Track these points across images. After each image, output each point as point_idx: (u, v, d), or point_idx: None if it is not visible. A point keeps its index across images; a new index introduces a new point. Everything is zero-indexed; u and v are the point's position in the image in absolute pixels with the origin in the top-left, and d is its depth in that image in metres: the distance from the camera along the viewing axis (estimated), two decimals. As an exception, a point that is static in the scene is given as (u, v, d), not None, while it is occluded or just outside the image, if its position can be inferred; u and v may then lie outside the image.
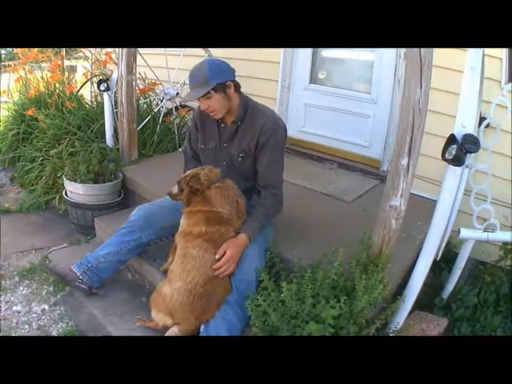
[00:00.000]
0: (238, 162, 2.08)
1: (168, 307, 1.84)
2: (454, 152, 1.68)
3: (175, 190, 1.96)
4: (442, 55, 2.01)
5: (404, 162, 1.64)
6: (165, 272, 2.06)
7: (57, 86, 3.95)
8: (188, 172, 1.95)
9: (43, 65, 4.18)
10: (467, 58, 1.74)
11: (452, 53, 2.08)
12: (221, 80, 1.90)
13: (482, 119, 2.17)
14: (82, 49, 4.24)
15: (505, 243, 2.43)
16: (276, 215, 2.10)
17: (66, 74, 4.35)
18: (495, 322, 2.21)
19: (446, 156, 1.71)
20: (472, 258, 2.51)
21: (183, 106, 4.00)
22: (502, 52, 2.52)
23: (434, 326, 2.08)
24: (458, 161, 1.69)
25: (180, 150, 2.20)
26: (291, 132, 3.67)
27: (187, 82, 3.63)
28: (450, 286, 2.32)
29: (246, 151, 2.05)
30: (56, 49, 4.47)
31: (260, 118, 2.01)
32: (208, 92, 1.88)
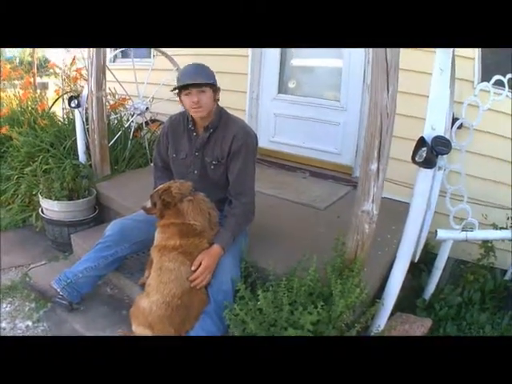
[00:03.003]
0: (210, 170, 2.09)
1: (147, 320, 1.85)
2: (424, 154, 1.69)
3: (149, 204, 1.97)
4: (411, 58, 2.03)
5: (374, 166, 1.65)
6: (143, 286, 2.06)
7: (29, 103, 3.94)
8: (160, 186, 1.97)
9: (15, 82, 4.17)
10: (436, 59, 1.75)
11: (421, 55, 2.10)
12: (215, 82, 1.99)
13: (455, 120, 2.20)
14: (53, 65, 4.22)
15: (485, 241, 2.45)
16: (248, 224, 2.11)
17: (38, 91, 4.33)
18: (482, 320, 2.22)
19: (417, 159, 1.72)
20: (452, 257, 2.52)
21: (153, 121, 4.00)
22: (474, 52, 2.54)
23: (418, 327, 2.08)
24: (428, 163, 1.69)
25: (152, 164, 2.25)
26: (261, 143, 3.63)
27: (156, 96, 3.60)
28: (431, 287, 2.33)
29: (218, 159, 2.06)
30: (28, 66, 4.46)
31: (233, 126, 2.05)
32: (208, 84, 1.94)
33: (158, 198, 1.90)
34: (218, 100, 2.07)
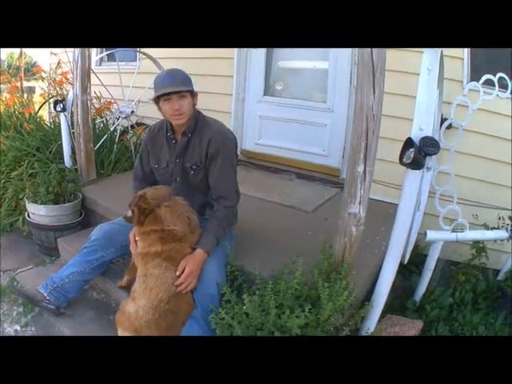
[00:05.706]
0: (191, 175, 2.08)
1: (133, 325, 1.82)
2: (412, 155, 1.67)
3: (129, 213, 1.94)
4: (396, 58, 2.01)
5: (360, 168, 1.63)
6: (126, 288, 2.06)
7: (15, 107, 3.94)
8: (137, 193, 1.94)
9: (2, 87, 4.17)
10: (423, 59, 1.73)
11: (406, 55, 2.09)
12: (193, 88, 1.99)
13: (444, 120, 2.18)
14: (39, 69, 4.21)
15: (476, 242, 2.44)
16: (230, 227, 2.10)
17: (25, 95, 4.32)
18: (474, 320, 2.21)
19: (404, 160, 1.70)
20: (443, 259, 2.51)
21: (139, 124, 3.99)
22: (463, 52, 2.53)
23: (409, 329, 2.07)
24: (416, 164, 1.67)
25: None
26: (247, 145, 3.68)
27: (142, 99, 3.54)
28: (421, 289, 2.32)
29: (197, 163, 2.05)
30: (15, 71, 4.45)
31: (208, 130, 2.03)
32: (187, 91, 1.93)
33: (135, 205, 1.88)
34: (195, 105, 2.05)
